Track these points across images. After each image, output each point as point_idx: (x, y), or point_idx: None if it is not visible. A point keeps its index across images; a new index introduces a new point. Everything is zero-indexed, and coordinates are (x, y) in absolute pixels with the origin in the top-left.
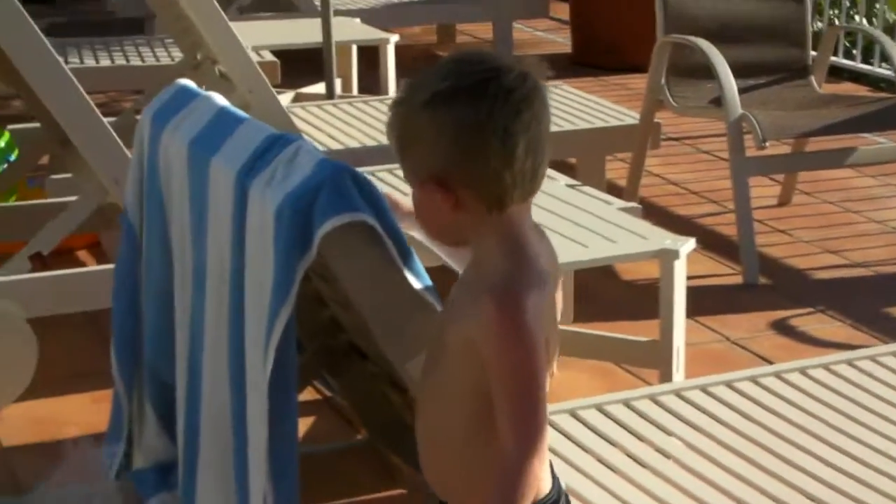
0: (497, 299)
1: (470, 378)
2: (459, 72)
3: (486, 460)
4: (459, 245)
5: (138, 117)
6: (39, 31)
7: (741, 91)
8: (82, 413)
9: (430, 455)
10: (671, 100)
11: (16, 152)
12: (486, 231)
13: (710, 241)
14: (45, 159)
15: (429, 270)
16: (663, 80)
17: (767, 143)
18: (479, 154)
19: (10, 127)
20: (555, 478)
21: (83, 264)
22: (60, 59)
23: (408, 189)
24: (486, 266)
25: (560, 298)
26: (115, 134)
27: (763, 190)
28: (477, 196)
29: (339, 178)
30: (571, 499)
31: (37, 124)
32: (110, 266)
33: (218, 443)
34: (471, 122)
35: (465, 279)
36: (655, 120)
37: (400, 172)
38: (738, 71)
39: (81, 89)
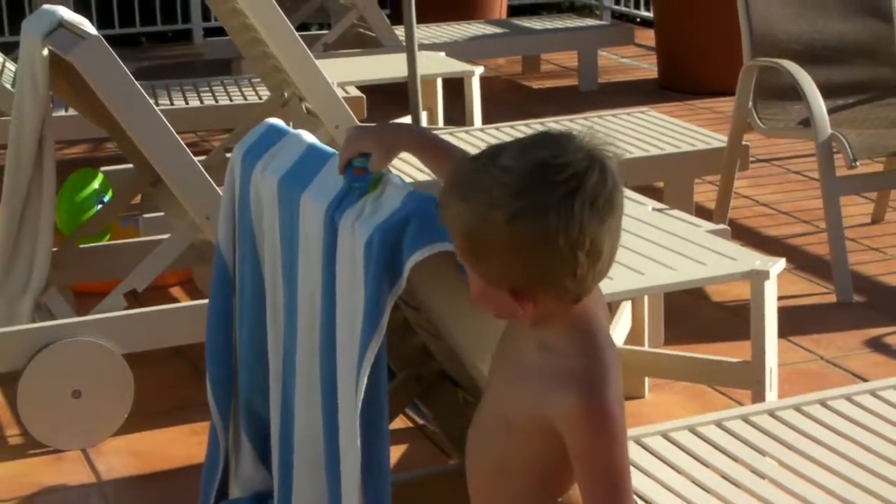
0: (586, 399)
1: (538, 453)
2: (543, 181)
3: None
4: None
5: (228, 155)
6: (130, 75)
7: (830, 111)
8: (180, 445)
9: None
10: (759, 122)
11: (109, 194)
12: (557, 316)
13: (802, 261)
14: (136, 199)
15: None
16: (751, 103)
17: (858, 163)
18: (566, 268)
19: (104, 169)
20: None
21: (176, 300)
22: (151, 101)
23: None
24: (557, 353)
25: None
26: (205, 172)
27: (855, 208)
28: (556, 297)
29: (427, 210)
30: None
31: (129, 165)
32: (202, 301)
33: (312, 473)
34: (560, 239)
35: (523, 360)
36: (744, 142)
37: None
38: (827, 91)
39: (172, 130)
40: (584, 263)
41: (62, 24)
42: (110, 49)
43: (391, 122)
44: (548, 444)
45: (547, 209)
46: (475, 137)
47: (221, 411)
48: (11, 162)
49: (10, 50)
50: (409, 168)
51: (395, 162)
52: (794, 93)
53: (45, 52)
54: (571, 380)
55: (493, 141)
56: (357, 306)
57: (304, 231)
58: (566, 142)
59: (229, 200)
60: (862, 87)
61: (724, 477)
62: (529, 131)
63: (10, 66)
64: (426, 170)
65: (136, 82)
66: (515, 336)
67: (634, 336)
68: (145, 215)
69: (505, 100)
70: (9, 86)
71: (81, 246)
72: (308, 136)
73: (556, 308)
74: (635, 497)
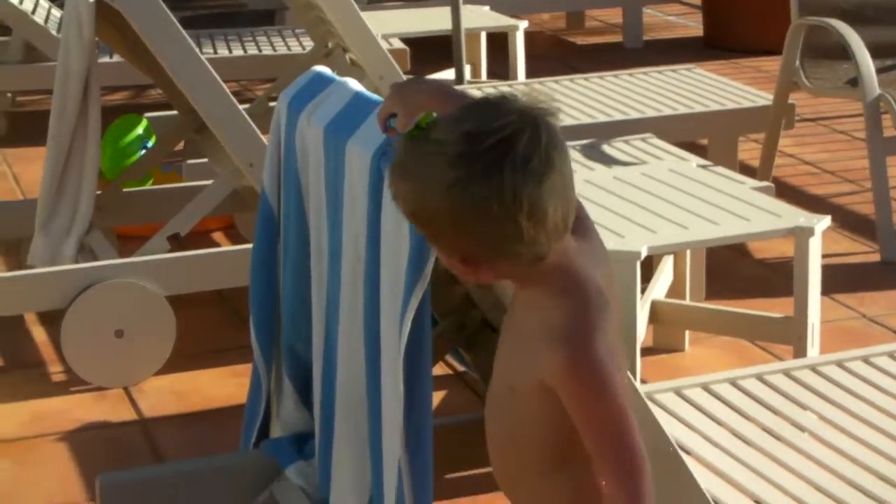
0: (570, 353)
1: (544, 418)
2: (471, 151)
3: (560, 488)
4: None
5: (271, 104)
6: (178, 24)
7: (878, 71)
8: (220, 386)
9: (509, 484)
10: (806, 81)
11: (153, 139)
12: (533, 275)
13: (846, 220)
14: (180, 145)
15: None
16: (798, 62)
17: None
18: (508, 233)
19: (148, 115)
20: None
21: (218, 245)
22: (197, 50)
23: None
24: (544, 310)
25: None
26: (249, 120)
27: None
28: (514, 262)
29: None
30: (707, 471)
31: (173, 111)
32: (244, 246)
33: (353, 415)
34: (496, 206)
35: (519, 321)
36: (789, 101)
37: None
38: (875, 51)
39: (218, 78)
40: (528, 227)
41: None
42: None
43: (427, 77)
44: (551, 407)
45: (478, 178)
46: (519, 91)
47: (264, 354)
48: (57, 107)
49: None
50: None
51: None
52: (842, 52)
53: None
54: (556, 336)
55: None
56: (402, 253)
57: (349, 178)
58: (498, 107)
59: (275, 147)
60: None
61: (765, 430)
62: (574, 86)
63: (56, 12)
64: None
65: (182, 31)
66: (514, 300)
67: (675, 290)
68: (188, 161)
69: (548, 55)
70: (54, 32)
71: (125, 190)
72: (354, 84)
73: (523, 270)
74: (679, 450)
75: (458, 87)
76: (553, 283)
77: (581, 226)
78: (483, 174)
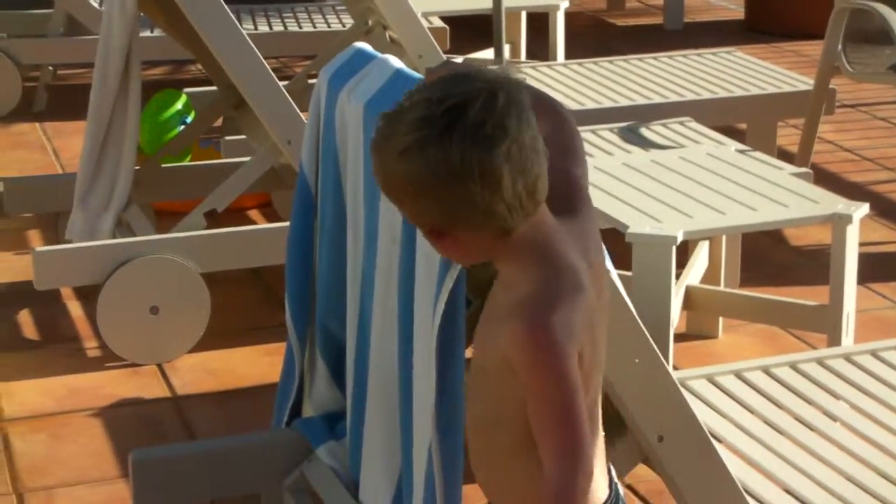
0: (525, 324)
1: (513, 397)
2: (425, 117)
3: (531, 472)
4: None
5: (311, 81)
6: (222, 1)
7: None
8: (253, 365)
9: (481, 467)
10: (847, 66)
11: (192, 115)
12: (506, 252)
13: (885, 208)
14: (218, 121)
15: None
16: (840, 47)
17: None
18: (462, 199)
19: (187, 90)
20: (612, 483)
21: (254, 222)
22: (238, 25)
23: None
24: (514, 287)
25: (700, 263)
26: (288, 97)
27: None
28: (479, 234)
29: None
30: (739, 460)
31: (212, 87)
32: (282, 224)
33: (385, 396)
34: (446, 171)
35: (495, 300)
36: (830, 86)
37: None
38: None
39: (259, 54)
40: (482, 193)
41: None
42: None
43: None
44: (516, 385)
45: (431, 141)
46: (557, 72)
47: (298, 333)
48: (98, 80)
49: None
50: None
51: None
52: (885, 37)
53: None
54: (518, 308)
55: (575, 76)
56: None
57: None
58: (466, 76)
59: (314, 124)
60: None
61: (797, 419)
62: (613, 68)
63: None
64: None
65: (224, 6)
66: (495, 280)
67: (710, 276)
68: (226, 137)
69: (588, 36)
70: (96, 4)
71: (163, 165)
72: (395, 62)
73: (490, 244)
74: (711, 437)
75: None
76: (525, 260)
77: (571, 207)
78: (436, 138)
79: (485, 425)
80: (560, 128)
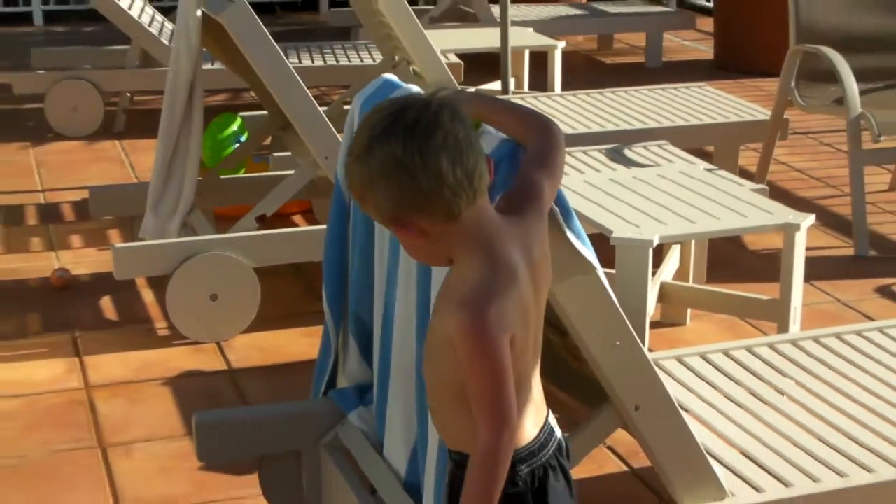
0: (466, 316)
1: (452, 364)
2: (372, 124)
3: (466, 417)
4: (450, 264)
5: (346, 107)
6: (269, 35)
7: (861, 93)
8: (296, 344)
9: (432, 408)
10: (799, 99)
11: (246, 134)
12: (457, 242)
13: (828, 219)
14: (268, 140)
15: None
16: (793, 83)
17: (883, 138)
18: (410, 186)
19: (242, 114)
20: (546, 429)
21: (297, 225)
22: (285, 59)
23: None
24: (461, 277)
25: (677, 260)
26: (327, 119)
27: (876, 177)
28: (430, 218)
29: (516, 154)
30: (703, 427)
31: (263, 112)
32: (320, 227)
33: (405, 372)
34: (393, 163)
35: (449, 284)
36: (785, 116)
37: None
38: (859, 76)
39: (302, 84)
40: (426, 178)
41: None
42: (253, 12)
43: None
44: (456, 359)
45: (379, 141)
46: (555, 102)
47: (334, 317)
48: (167, 105)
49: (169, 12)
50: None
51: None
52: (831, 76)
53: (199, 13)
54: (459, 301)
55: (570, 105)
56: None
57: None
58: (403, 96)
59: (349, 142)
60: (890, 73)
61: (751, 393)
62: (602, 98)
63: (168, 25)
64: None
65: (274, 43)
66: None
67: (681, 274)
68: (275, 154)
69: (581, 71)
70: (166, 42)
71: (222, 177)
72: (417, 90)
73: (443, 229)
74: (679, 408)
75: (497, 97)
76: (472, 254)
77: (523, 208)
78: (379, 138)
79: (433, 377)
80: (543, 142)
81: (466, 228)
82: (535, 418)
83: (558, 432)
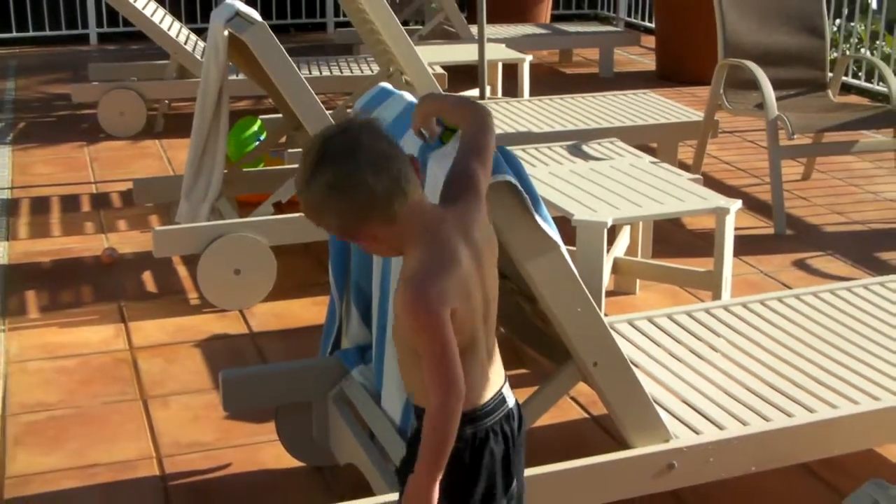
0: (409, 295)
1: (407, 335)
2: (307, 159)
3: (422, 377)
4: (402, 254)
5: (349, 110)
6: (284, 51)
7: (778, 99)
8: (306, 311)
9: (402, 370)
10: (727, 104)
11: (264, 134)
12: (402, 236)
13: (752, 204)
14: (283, 139)
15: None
16: (721, 90)
17: (796, 136)
18: (348, 205)
19: (262, 117)
20: (497, 397)
21: None
22: (298, 71)
23: None
24: (408, 263)
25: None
26: (333, 121)
27: (791, 169)
28: (374, 225)
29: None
30: (650, 380)
31: (279, 115)
32: None
33: None
34: (328, 190)
35: (401, 271)
36: (715, 118)
37: (531, 150)
38: (776, 84)
39: (312, 91)
40: (358, 196)
41: (238, 14)
42: (271, 32)
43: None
44: (407, 331)
45: (310, 178)
46: (524, 106)
47: (338, 288)
48: (198, 110)
49: (201, 32)
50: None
51: None
52: (753, 84)
53: (226, 33)
54: (403, 281)
55: (536, 108)
56: None
57: None
58: (325, 129)
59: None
60: (801, 83)
61: (690, 350)
62: (563, 102)
63: (200, 43)
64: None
65: (289, 58)
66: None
67: (631, 250)
68: (289, 150)
69: (545, 80)
70: (199, 57)
71: (244, 169)
72: (408, 96)
73: (388, 230)
74: (631, 364)
75: (466, 98)
76: (413, 243)
77: (461, 195)
78: (316, 170)
79: (399, 344)
80: (475, 129)
81: (407, 224)
82: (486, 384)
83: (510, 402)
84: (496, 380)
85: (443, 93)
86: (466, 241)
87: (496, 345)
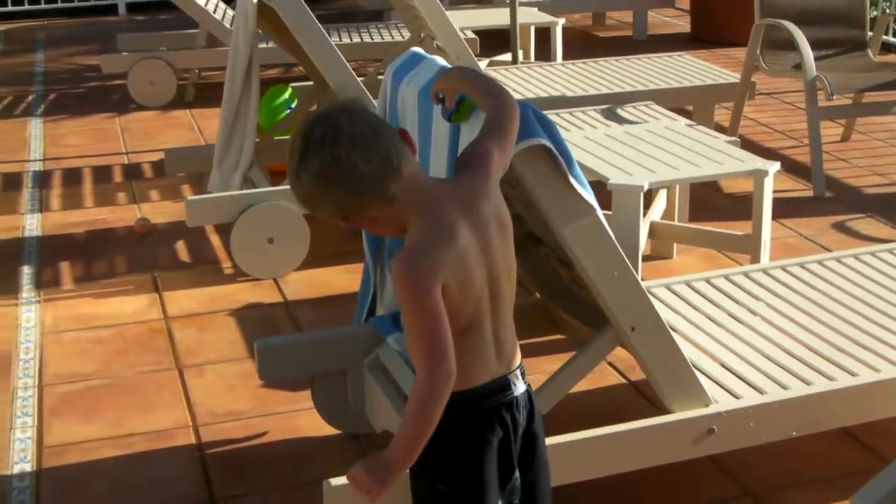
0: (400, 266)
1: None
2: (294, 150)
3: None
4: (405, 232)
5: (379, 77)
6: (315, 18)
7: (816, 59)
8: (340, 279)
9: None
10: (764, 65)
11: (295, 102)
12: (402, 214)
13: (790, 166)
14: (314, 106)
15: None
16: (758, 51)
17: (835, 96)
18: (341, 190)
19: (292, 84)
20: (500, 381)
21: None
22: (329, 38)
23: None
24: (409, 238)
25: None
26: (364, 87)
27: (830, 130)
28: (371, 207)
29: (526, 114)
30: (689, 344)
31: (310, 83)
32: None
33: None
34: (318, 179)
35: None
36: (752, 79)
37: (564, 114)
38: (814, 44)
39: (343, 58)
40: (350, 179)
41: None
42: (305, 5)
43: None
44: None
45: (299, 168)
46: (557, 70)
47: (372, 255)
48: (228, 79)
49: (229, 1)
50: (509, 89)
51: (505, 80)
52: (790, 45)
53: (255, 0)
54: (401, 252)
55: (569, 72)
56: None
57: (435, 128)
58: (314, 115)
59: (382, 105)
60: (840, 42)
61: (729, 314)
62: (596, 66)
63: (229, 11)
64: (521, 91)
65: (320, 25)
66: None
67: (668, 214)
68: None
69: (578, 44)
70: (228, 25)
71: (276, 138)
72: (440, 60)
73: (387, 210)
74: (668, 328)
75: (497, 86)
76: (411, 218)
77: (469, 168)
78: (304, 160)
79: (402, 316)
80: (496, 110)
81: (406, 201)
82: (486, 367)
83: (518, 390)
84: (502, 365)
85: (476, 71)
86: (468, 216)
87: (511, 330)
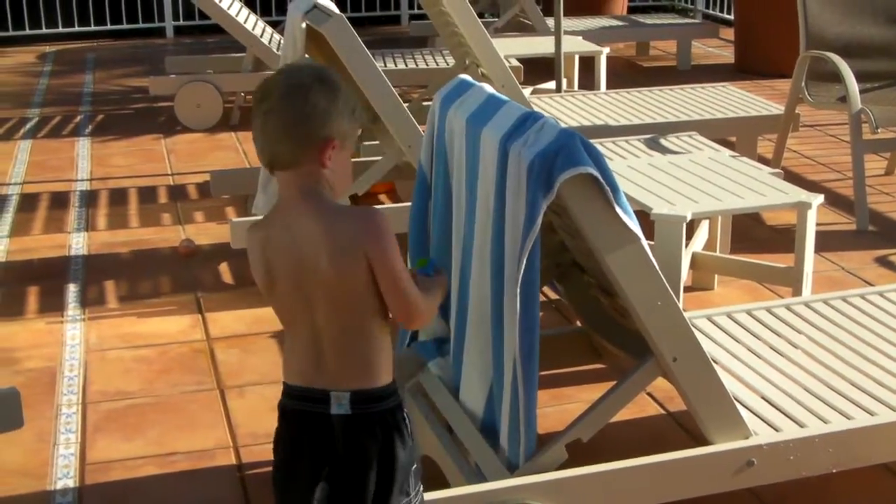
0: (377, 217)
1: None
2: (254, 109)
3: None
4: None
5: (424, 104)
6: (362, 43)
7: (861, 92)
8: None
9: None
10: (808, 97)
11: None
12: (339, 172)
13: (833, 200)
14: (359, 131)
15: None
16: (803, 83)
17: (880, 130)
18: (333, 94)
19: None
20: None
21: (383, 203)
22: (375, 63)
23: None
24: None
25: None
26: (409, 113)
27: (874, 164)
28: (348, 128)
29: (573, 143)
30: (729, 376)
31: None
32: (402, 205)
33: (480, 326)
34: (283, 100)
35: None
36: (796, 111)
37: (608, 143)
38: (859, 77)
39: (389, 83)
40: (342, 91)
41: (316, 6)
42: (349, 24)
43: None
44: None
45: (265, 106)
46: (601, 99)
47: None
48: None
49: (276, 25)
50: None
51: (549, 109)
52: (835, 77)
53: (303, 25)
54: (364, 209)
55: (613, 101)
56: (520, 210)
57: (483, 155)
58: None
59: (430, 132)
60: (885, 75)
61: (770, 346)
62: (640, 96)
63: (277, 36)
64: (566, 120)
65: (367, 50)
66: None
67: (709, 245)
68: (365, 143)
69: (622, 73)
70: (275, 49)
71: None
72: (489, 88)
73: (342, 159)
74: (710, 359)
75: (532, 98)
76: (338, 188)
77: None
78: (264, 102)
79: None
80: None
81: (347, 164)
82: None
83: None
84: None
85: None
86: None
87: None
